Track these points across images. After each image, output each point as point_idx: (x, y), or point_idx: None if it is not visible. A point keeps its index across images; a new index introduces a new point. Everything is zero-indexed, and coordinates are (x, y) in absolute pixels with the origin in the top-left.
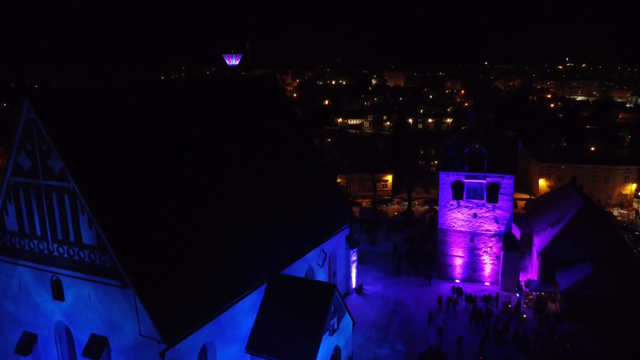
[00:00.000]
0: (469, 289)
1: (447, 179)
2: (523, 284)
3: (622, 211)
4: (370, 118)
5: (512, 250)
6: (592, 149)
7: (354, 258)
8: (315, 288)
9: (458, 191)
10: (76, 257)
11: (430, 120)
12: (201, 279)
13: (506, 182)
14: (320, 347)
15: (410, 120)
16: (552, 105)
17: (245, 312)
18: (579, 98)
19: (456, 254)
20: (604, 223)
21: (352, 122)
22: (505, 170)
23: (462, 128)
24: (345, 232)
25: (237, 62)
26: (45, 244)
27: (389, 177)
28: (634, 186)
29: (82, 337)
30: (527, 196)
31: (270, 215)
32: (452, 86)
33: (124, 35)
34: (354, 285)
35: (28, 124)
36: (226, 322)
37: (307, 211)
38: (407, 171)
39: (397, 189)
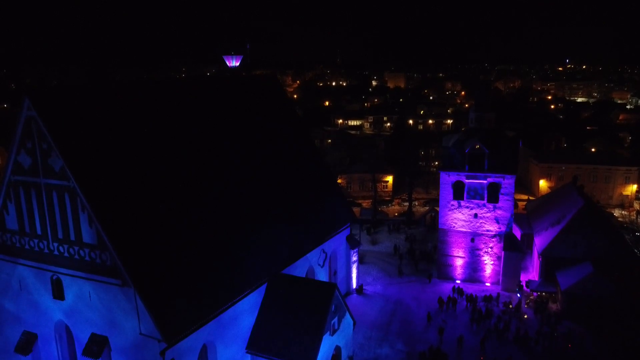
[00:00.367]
0: (470, 289)
1: (447, 179)
2: (524, 284)
3: (623, 212)
4: (370, 119)
5: (513, 250)
6: (593, 149)
7: (354, 258)
8: (315, 287)
9: (459, 191)
10: (76, 256)
11: (430, 121)
12: (201, 278)
13: (507, 182)
14: (321, 346)
15: (411, 121)
16: (552, 106)
17: (245, 312)
18: (579, 99)
19: (457, 254)
20: (604, 223)
21: (352, 123)
22: (505, 170)
23: (462, 129)
24: (345, 232)
25: (238, 64)
26: (45, 242)
27: (390, 178)
28: (634, 187)
29: (82, 336)
30: (527, 197)
31: (271, 215)
32: (452, 87)
33: (124, 36)
34: (354, 285)
35: (28, 122)
36: (226, 321)
37: (307, 211)
38: (407, 171)
39: (398, 190)
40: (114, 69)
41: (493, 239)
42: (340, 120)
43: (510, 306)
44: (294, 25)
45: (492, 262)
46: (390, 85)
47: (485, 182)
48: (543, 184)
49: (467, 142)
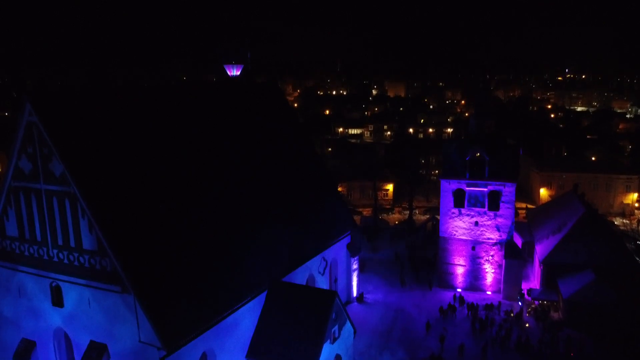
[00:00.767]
0: (471, 297)
1: (448, 187)
2: (525, 293)
3: (624, 220)
4: (370, 127)
5: (514, 258)
6: (593, 158)
7: (355, 266)
8: (316, 295)
9: (459, 199)
10: (76, 263)
11: (430, 129)
12: (202, 285)
13: (507, 190)
14: (321, 355)
15: (411, 130)
16: (552, 115)
17: (245, 319)
18: (579, 108)
19: (458, 263)
20: (605, 230)
21: (352, 132)
22: (506, 177)
23: (462, 137)
24: (346, 240)
25: (239, 73)
26: (45, 249)
27: (390, 186)
28: (635, 195)
29: (81, 343)
30: (526, 205)
31: (272, 222)
32: (452, 96)
33: (124, 35)
34: (355, 293)
35: (29, 127)
36: (226, 328)
37: (308, 219)
38: (408, 179)
39: (398, 199)
40: (114, 69)
41: (494, 247)
42: (341, 129)
43: (512, 314)
44: (294, 26)
45: (493, 270)
46: (391, 93)
47: (486, 189)
48: (544, 192)
49: (467, 148)
